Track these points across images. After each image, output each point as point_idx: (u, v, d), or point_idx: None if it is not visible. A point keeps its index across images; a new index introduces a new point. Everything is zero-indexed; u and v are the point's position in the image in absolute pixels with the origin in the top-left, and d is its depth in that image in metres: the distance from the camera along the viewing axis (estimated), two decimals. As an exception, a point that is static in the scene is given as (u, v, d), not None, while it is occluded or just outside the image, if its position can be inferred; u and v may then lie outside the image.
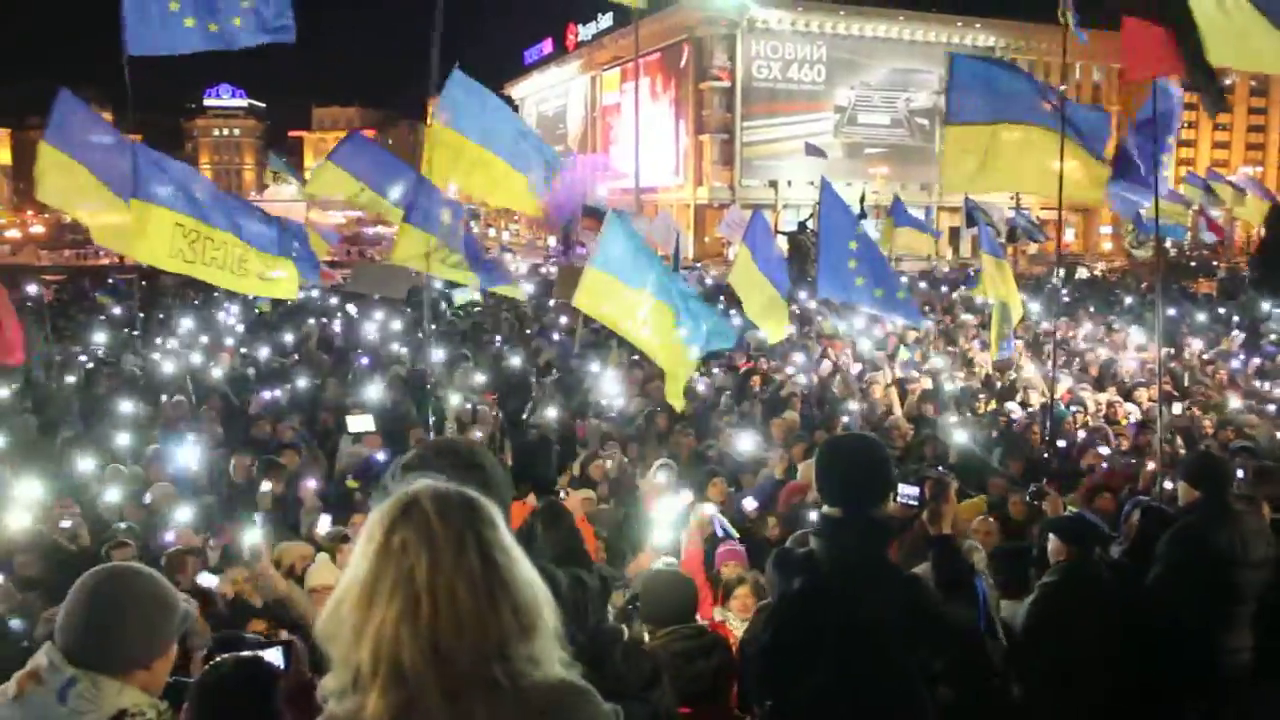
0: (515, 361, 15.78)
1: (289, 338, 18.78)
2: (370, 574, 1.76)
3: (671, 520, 6.78)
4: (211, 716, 2.78)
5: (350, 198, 13.58)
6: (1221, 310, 24.72)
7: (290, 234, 11.44)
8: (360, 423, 10.85)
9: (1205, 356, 17.96)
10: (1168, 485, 7.97)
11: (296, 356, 16.89)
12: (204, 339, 18.33)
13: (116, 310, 23.18)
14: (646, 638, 4.72)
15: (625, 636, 4.06)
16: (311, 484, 8.92)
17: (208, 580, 6.14)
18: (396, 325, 20.44)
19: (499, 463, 2.85)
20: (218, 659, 3.13)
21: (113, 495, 8.64)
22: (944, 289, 32.00)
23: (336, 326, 21.35)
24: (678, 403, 9.78)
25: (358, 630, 1.74)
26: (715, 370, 15.33)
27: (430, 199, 11.46)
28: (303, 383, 14.03)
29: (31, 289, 19.83)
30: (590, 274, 8.68)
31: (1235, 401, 13.59)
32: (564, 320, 21.86)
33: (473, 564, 1.77)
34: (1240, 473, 7.23)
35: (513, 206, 12.28)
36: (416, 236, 11.48)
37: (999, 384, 15.08)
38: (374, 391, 12.95)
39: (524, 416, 11.16)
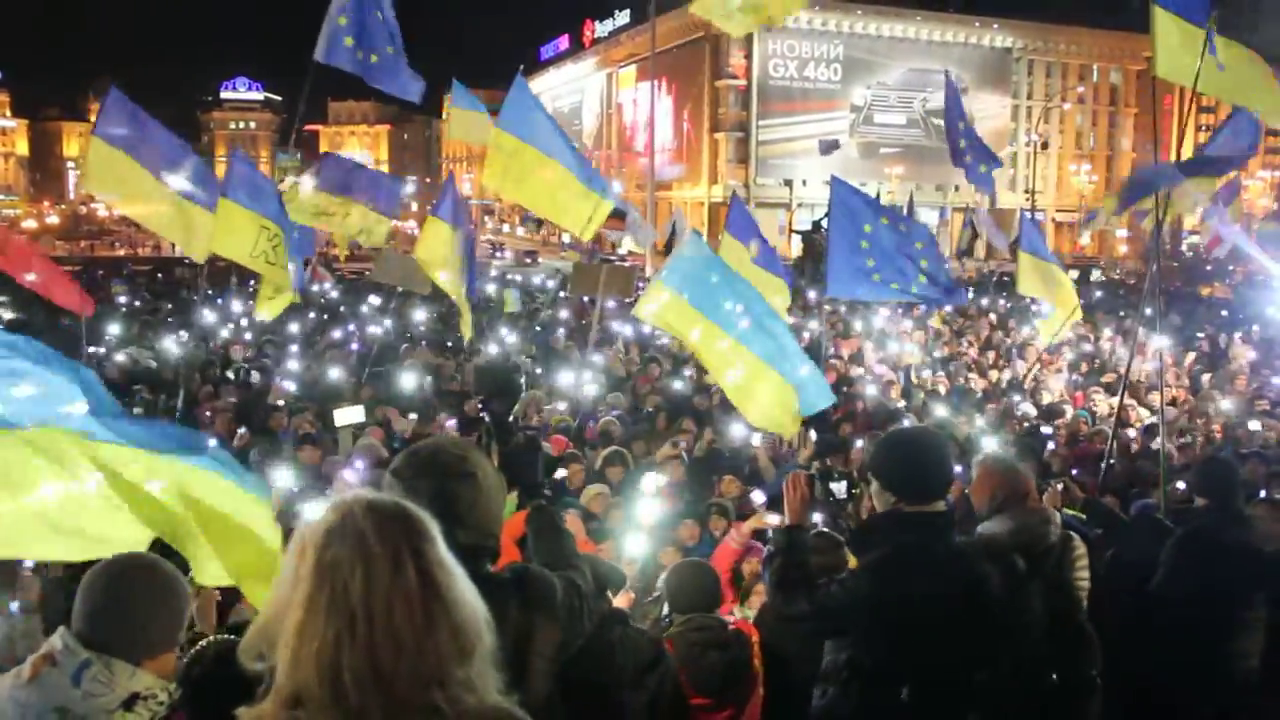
0: (500, 361, 15.58)
1: (294, 328, 18.77)
2: (304, 593, 1.66)
3: (649, 525, 6.75)
4: (199, 701, 2.80)
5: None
6: (1224, 313, 24.59)
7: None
8: (349, 415, 10.34)
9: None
10: (1180, 486, 7.94)
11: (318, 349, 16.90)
12: (224, 332, 18.37)
13: (121, 299, 23.27)
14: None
15: (625, 622, 4.07)
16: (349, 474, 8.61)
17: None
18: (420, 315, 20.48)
19: (494, 469, 2.82)
20: (201, 644, 3.14)
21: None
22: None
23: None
24: (786, 432, 9.18)
25: (296, 652, 1.65)
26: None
27: (454, 196, 12.09)
28: (335, 374, 14.03)
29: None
30: (657, 288, 8.34)
31: (1227, 404, 13.42)
32: (564, 315, 21.89)
33: (410, 581, 1.68)
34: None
35: (563, 224, 12.02)
36: (443, 232, 11.90)
37: (1021, 384, 15.02)
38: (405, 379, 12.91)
39: (510, 418, 10.87)
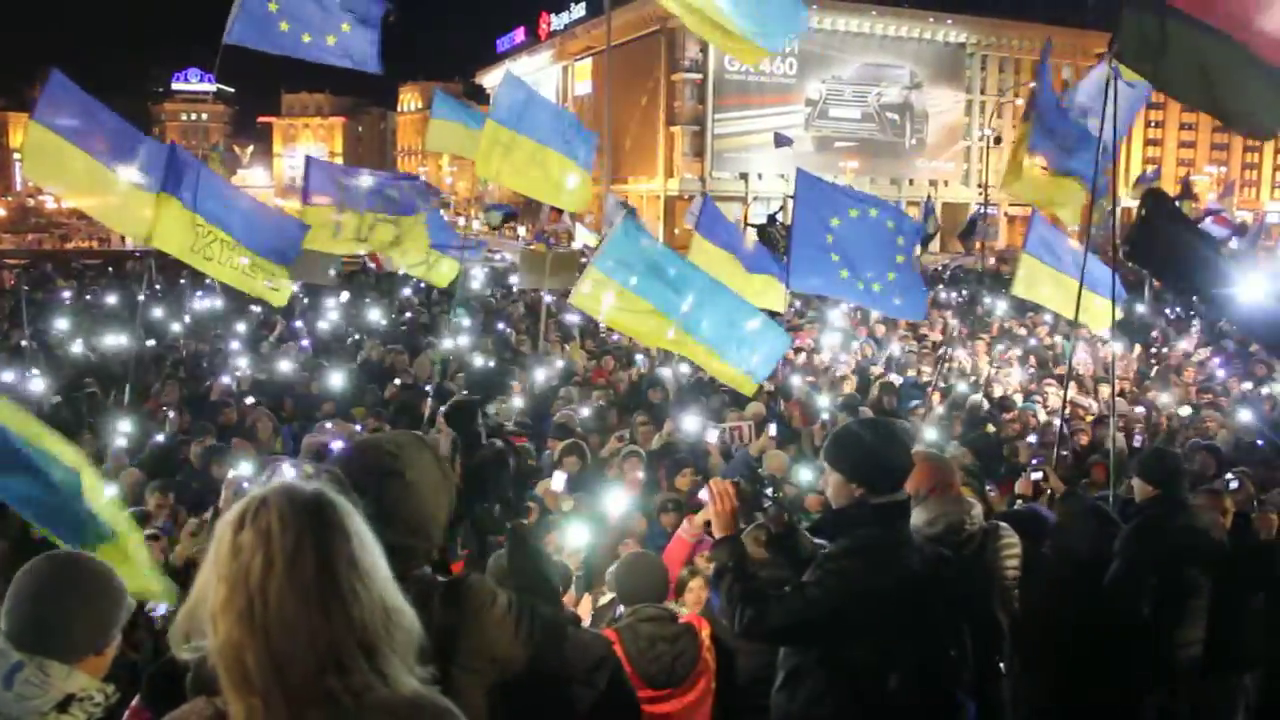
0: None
1: (241, 327, 18.50)
2: (216, 575, 1.72)
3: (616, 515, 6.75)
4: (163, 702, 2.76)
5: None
6: (1166, 308, 24.82)
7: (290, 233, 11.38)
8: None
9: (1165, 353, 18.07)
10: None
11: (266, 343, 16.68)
12: (175, 326, 18.11)
13: (66, 295, 22.86)
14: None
15: (576, 623, 4.06)
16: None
17: None
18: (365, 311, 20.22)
19: (438, 468, 2.74)
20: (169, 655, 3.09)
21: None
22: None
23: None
24: (747, 390, 9.06)
25: (213, 635, 1.71)
26: (683, 364, 15.29)
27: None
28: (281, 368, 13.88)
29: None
30: (594, 274, 8.18)
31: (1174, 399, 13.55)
32: (522, 309, 21.76)
33: (306, 572, 1.70)
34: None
35: (556, 202, 12.59)
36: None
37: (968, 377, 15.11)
38: (335, 379, 12.75)
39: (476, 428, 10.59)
